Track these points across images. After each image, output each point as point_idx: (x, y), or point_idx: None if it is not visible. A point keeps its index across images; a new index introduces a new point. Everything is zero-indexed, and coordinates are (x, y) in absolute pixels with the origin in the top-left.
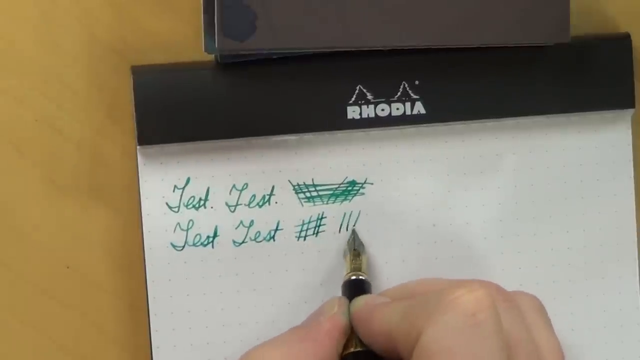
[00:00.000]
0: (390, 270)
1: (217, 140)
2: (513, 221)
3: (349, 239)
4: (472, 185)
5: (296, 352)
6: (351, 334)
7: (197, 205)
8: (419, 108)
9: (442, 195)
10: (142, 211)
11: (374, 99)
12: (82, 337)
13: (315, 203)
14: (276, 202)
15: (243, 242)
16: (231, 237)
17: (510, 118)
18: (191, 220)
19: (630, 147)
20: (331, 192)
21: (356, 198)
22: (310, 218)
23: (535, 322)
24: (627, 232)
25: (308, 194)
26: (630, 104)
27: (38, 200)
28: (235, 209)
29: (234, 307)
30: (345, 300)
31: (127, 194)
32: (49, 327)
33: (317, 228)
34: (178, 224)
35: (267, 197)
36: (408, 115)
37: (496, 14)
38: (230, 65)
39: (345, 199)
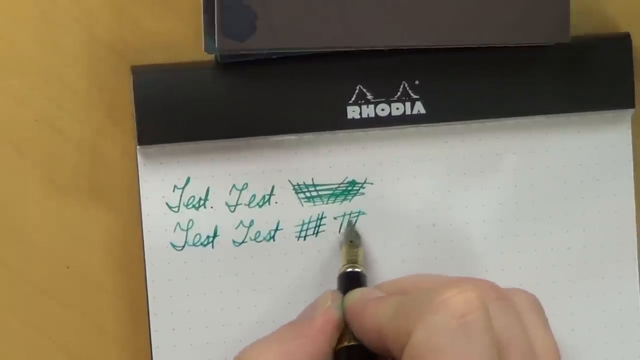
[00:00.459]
0: (389, 270)
1: (217, 140)
2: (513, 221)
3: (345, 230)
4: (472, 185)
5: (290, 349)
6: (345, 327)
7: (197, 205)
8: (419, 108)
9: (442, 195)
10: (142, 211)
11: (374, 98)
12: (82, 337)
13: (315, 203)
14: (276, 202)
15: (243, 242)
16: (231, 237)
17: (510, 118)
18: (191, 220)
19: (630, 147)
20: (331, 192)
21: (356, 198)
22: (310, 218)
23: (531, 321)
24: (627, 232)
25: (308, 194)
26: (630, 104)
27: (38, 200)
28: (235, 208)
29: (234, 307)
30: (338, 294)
31: (127, 194)
32: (49, 327)
33: (317, 228)
34: (178, 223)
35: (267, 197)
36: (408, 115)
37: (496, 14)
38: (230, 65)
39: (345, 199)
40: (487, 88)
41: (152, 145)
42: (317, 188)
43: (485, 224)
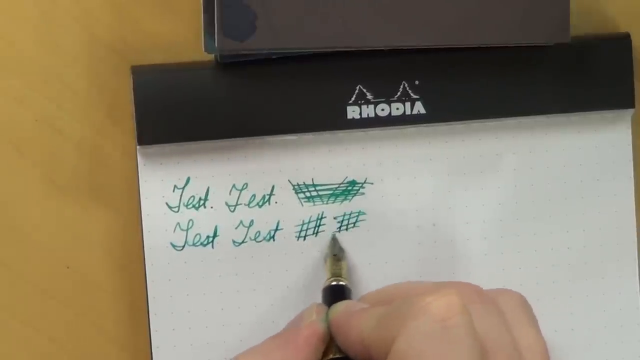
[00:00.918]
0: (389, 269)
1: (217, 140)
2: (513, 221)
3: (329, 244)
4: (472, 185)
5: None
6: (330, 340)
7: (197, 205)
8: (419, 108)
9: (442, 195)
10: (142, 211)
11: (374, 98)
12: (82, 337)
13: (315, 203)
14: (276, 202)
15: (243, 242)
16: (231, 237)
17: (510, 118)
18: (191, 220)
19: (630, 147)
20: (331, 192)
21: (356, 198)
22: (310, 218)
23: (518, 322)
24: (627, 232)
25: (308, 194)
26: (630, 104)
27: (38, 200)
28: (235, 208)
29: (234, 307)
30: (323, 307)
31: (127, 194)
32: (49, 327)
33: (317, 228)
34: (178, 223)
35: (267, 197)
36: (408, 115)
37: (496, 14)
38: (230, 65)
39: (345, 199)
40: (487, 88)
41: (152, 145)
42: (317, 188)
43: (485, 224)
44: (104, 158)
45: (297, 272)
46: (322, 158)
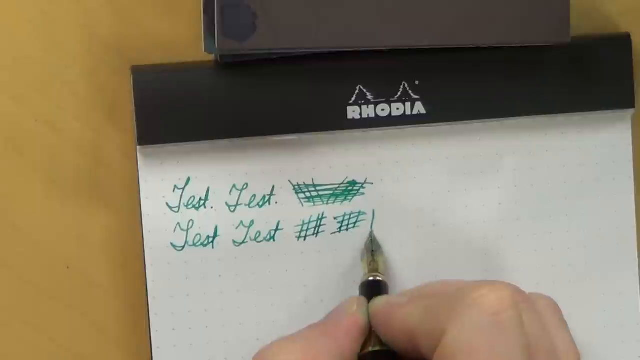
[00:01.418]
0: (390, 269)
1: (217, 140)
2: (513, 221)
3: (366, 241)
4: (472, 185)
5: (315, 348)
6: (369, 333)
7: (197, 205)
8: (419, 108)
9: (442, 195)
10: (142, 211)
11: (374, 99)
12: (82, 337)
13: (315, 203)
14: (276, 202)
15: (243, 242)
16: (231, 237)
17: (510, 118)
18: (191, 220)
19: (630, 147)
20: (331, 192)
21: (356, 198)
22: (311, 218)
23: (552, 324)
24: (627, 232)
25: (308, 194)
26: (630, 104)
27: (38, 200)
28: (235, 209)
29: (234, 307)
30: (364, 300)
31: (127, 194)
32: (49, 327)
33: (317, 228)
34: (178, 224)
35: (267, 197)
36: (408, 115)
37: (496, 14)
38: (230, 65)
39: (345, 199)
40: (487, 88)
41: (152, 145)
42: (317, 188)
43: (485, 224)
44: (104, 158)
45: (297, 272)
46: (322, 158)
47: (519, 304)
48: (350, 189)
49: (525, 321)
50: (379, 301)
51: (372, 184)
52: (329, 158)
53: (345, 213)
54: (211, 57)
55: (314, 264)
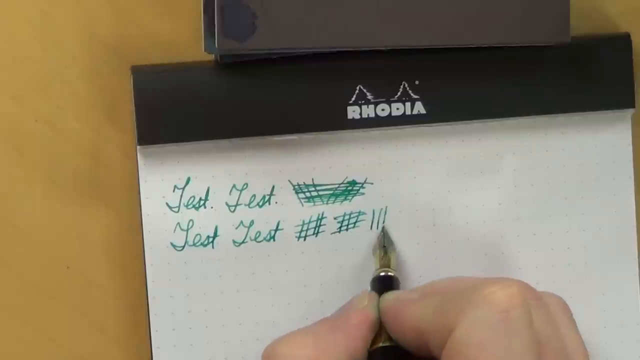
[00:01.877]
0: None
1: (217, 140)
2: (513, 221)
3: (378, 236)
4: (472, 185)
5: (325, 342)
6: (380, 328)
7: (197, 205)
8: (419, 108)
9: (442, 195)
10: (142, 211)
11: (374, 99)
12: (82, 337)
13: (315, 203)
14: (276, 202)
15: (243, 242)
16: (231, 237)
17: (510, 118)
18: (191, 220)
19: (630, 147)
20: (331, 192)
21: (356, 198)
22: (311, 218)
23: (562, 322)
24: (627, 232)
25: (308, 194)
26: (630, 104)
27: (38, 200)
28: (235, 209)
29: (234, 307)
30: (375, 295)
31: (127, 194)
32: (49, 327)
33: (317, 228)
34: (178, 224)
35: (267, 197)
36: (408, 115)
37: (496, 14)
38: (230, 65)
39: (345, 199)
40: (487, 88)
41: (152, 145)
42: (317, 188)
43: (485, 224)
44: (104, 158)
45: (297, 272)
46: (322, 158)
47: (528, 302)
48: (350, 189)
49: (535, 319)
50: (389, 297)
51: (372, 184)
52: (329, 158)
53: (345, 213)
54: (211, 57)
55: (314, 264)
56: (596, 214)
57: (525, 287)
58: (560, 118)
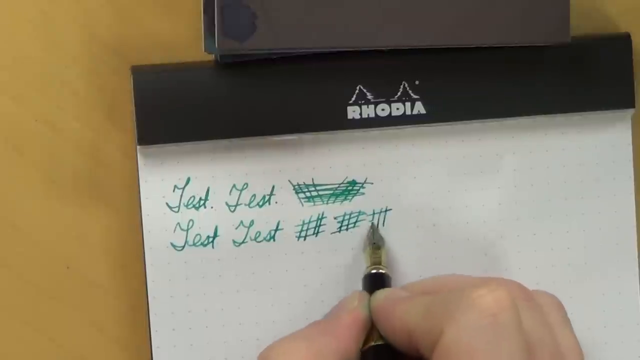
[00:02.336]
0: (389, 269)
1: (217, 140)
2: (513, 221)
3: (368, 233)
4: (472, 185)
5: (317, 346)
6: (372, 327)
7: (197, 205)
8: (419, 108)
9: (442, 196)
10: (142, 211)
11: (374, 99)
12: (82, 337)
13: (316, 203)
14: (276, 202)
15: (243, 242)
16: (231, 237)
17: (510, 118)
18: (191, 220)
19: (630, 147)
20: (331, 192)
21: (356, 198)
22: (311, 218)
23: (555, 321)
24: (627, 232)
25: (308, 194)
26: (630, 104)
27: (38, 200)
28: (235, 209)
29: (234, 307)
30: (365, 294)
31: (127, 194)
32: (49, 327)
33: (317, 228)
34: (178, 224)
35: (267, 197)
36: (408, 115)
37: (496, 14)
38: (230, 65)
39: (345, 199)
40: (487, 88)
41: (152, 145)
42: (317, 188)
43: (485, 224)
44: (104, 158)
45: (297, 272)
46: (322, 158)
47: (518, 304)
48: (350, 189)
49: (526, 320)
50: (380, 295)
51: (372, 184)
52: (329, 158)
53: (345, 213)
54: (211, 57)
55: (314, 264)
56: (596, 214)
57: (517, 288)
58: (560, 118)
